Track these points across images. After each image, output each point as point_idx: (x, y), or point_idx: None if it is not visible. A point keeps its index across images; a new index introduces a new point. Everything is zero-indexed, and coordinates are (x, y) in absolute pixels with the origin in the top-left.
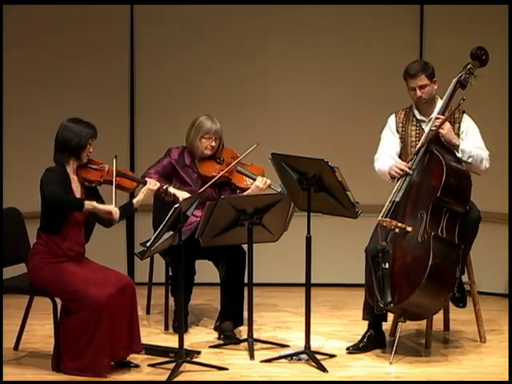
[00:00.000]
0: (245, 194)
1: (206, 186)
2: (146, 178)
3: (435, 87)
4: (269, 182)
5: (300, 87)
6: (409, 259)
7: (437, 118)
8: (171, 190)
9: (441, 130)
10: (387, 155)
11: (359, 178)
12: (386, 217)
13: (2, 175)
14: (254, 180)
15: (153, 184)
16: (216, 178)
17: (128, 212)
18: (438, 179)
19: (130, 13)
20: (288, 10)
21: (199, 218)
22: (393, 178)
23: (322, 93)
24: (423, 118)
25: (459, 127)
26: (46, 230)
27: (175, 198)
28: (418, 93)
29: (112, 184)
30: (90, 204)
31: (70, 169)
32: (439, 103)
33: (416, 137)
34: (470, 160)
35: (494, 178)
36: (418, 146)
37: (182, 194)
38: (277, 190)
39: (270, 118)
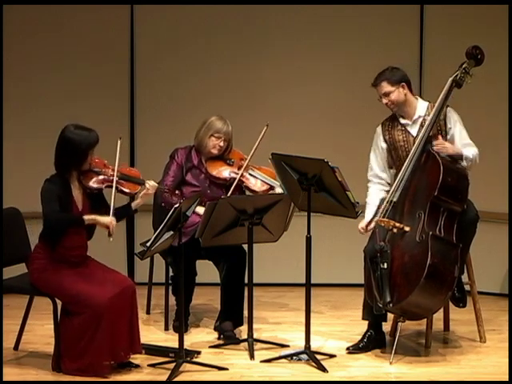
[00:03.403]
0: None
1: (232, 189)
2: (146, 181)
3: (404, 91)
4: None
5: (300, 88)
6: (407, 259)
7: (437, 144)
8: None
9: (445, 152)
10: (375, 198)
11: (359, 178)
12: (384, 217)
13: (2, 175)
14: (266, 183)
15: (151, 187)
16: (237, 179)
17: (126, 214)
18: (436, 178)
19: (130, 13)
20: (288, 11)
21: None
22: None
23: (321, 93)
24: (407, 122)
25: (445, 123)
26: (46, 238)
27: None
28: (384, 100)
29: (113, 188)
30: (89, 219)
31: (71, 177)
32: (421, 103)
33: (404, 141)
34: (470, 164)
35: (494, 178)
36: (409, 156)
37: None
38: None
39: (271, 118)
